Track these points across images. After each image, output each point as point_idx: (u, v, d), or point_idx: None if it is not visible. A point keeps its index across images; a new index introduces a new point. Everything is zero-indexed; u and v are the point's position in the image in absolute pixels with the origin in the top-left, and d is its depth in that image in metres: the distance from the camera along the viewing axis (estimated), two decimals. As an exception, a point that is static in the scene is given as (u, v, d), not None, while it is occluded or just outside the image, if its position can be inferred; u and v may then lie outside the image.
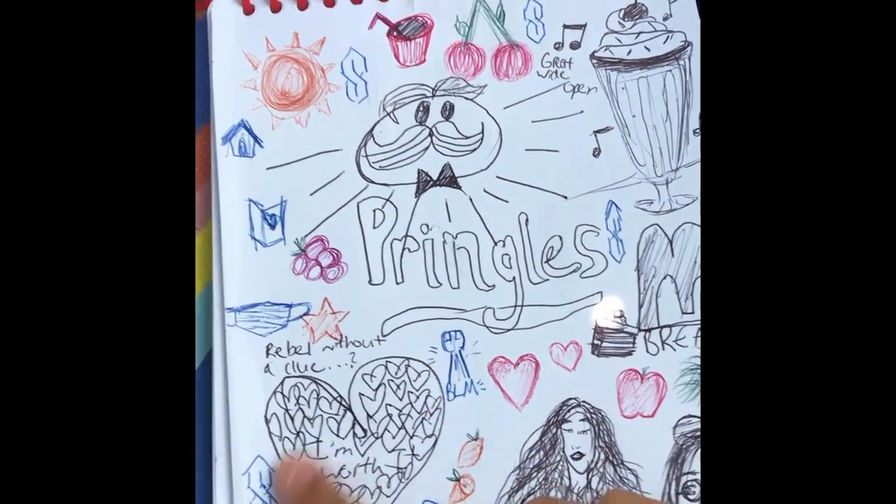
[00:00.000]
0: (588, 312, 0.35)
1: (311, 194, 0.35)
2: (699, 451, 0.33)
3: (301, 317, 0.34)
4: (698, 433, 0.33)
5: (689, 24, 0.38)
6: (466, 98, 0.37)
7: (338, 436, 0.33)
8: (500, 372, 0.34)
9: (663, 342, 0.34)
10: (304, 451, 0.32)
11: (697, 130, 0.37)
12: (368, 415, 0.33)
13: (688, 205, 0.36)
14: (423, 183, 0.36)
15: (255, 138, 0.35)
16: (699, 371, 0.34)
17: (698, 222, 0.36)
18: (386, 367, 0.34)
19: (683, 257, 0.35)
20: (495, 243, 0.36)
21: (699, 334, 0.34)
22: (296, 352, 0.33)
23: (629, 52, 0.38)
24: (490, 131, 0.37)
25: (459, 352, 0.34)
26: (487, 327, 0.35)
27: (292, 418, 0.33)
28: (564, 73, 0.38)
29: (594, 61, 0.38)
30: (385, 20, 0.38)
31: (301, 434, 0.33)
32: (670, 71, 0.38)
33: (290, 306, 0.34)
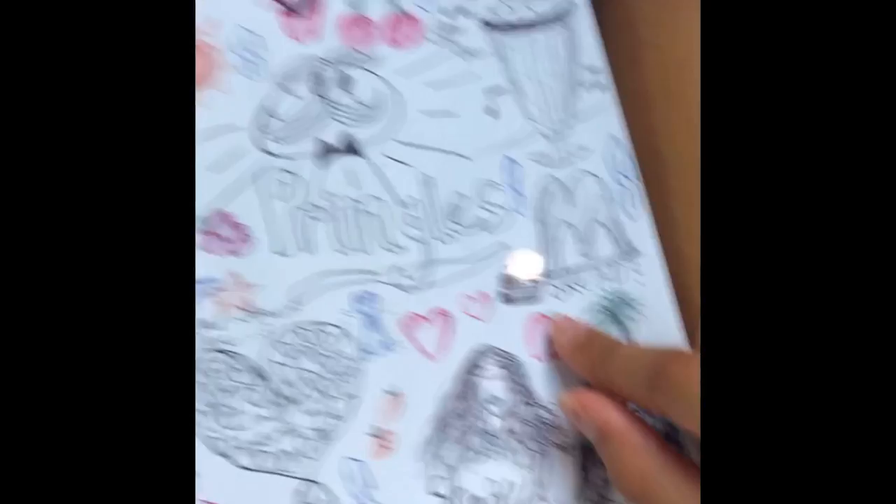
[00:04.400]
0: (496, 264, 0.36)
1: (213, 172, 0.35)
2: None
3: (210, 292, 0.34)
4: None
5: (571, -15, 0.40)
6: (362, 68, 0.38)
7: (256, 405, 0.33)
8: (414, 328, 0.35)
9: (568, 286, 0.36)
10: (221, 422, 0.33)
11: (586, 84, 0.38)
12: (285, 382, 0.33)
13: (581, 155, 0.38)
14: (326, 152, 0.36)
15: (152, 119, 0.35)
16: (601, 311, 0.36)
17: (592, 170, 0.37)
18: (300, 334, 0.34)
19: (578, 205, 0.37)
20: (401, 206, 0.36)
21: (603, 276, 0.36)
22: (207, 326, 0.33)
23: (517, 15, 0.39)
24: (388, 99, 0.38)
25: (372, 313, 0.35)
26: (399, 287, 0.35)
27: (208, 391, 0.33)
28: (455, 38, 0.39)
29: (484, 26, 0.39)
30: (275, -3, 0.38)
31: (216, 406, 0.33)
32: (556, 30, 0.39)
33: (198, 283, 0.34)
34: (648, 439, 0.30)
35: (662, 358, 0.29)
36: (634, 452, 0.29)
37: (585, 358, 0.33)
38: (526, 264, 0.36)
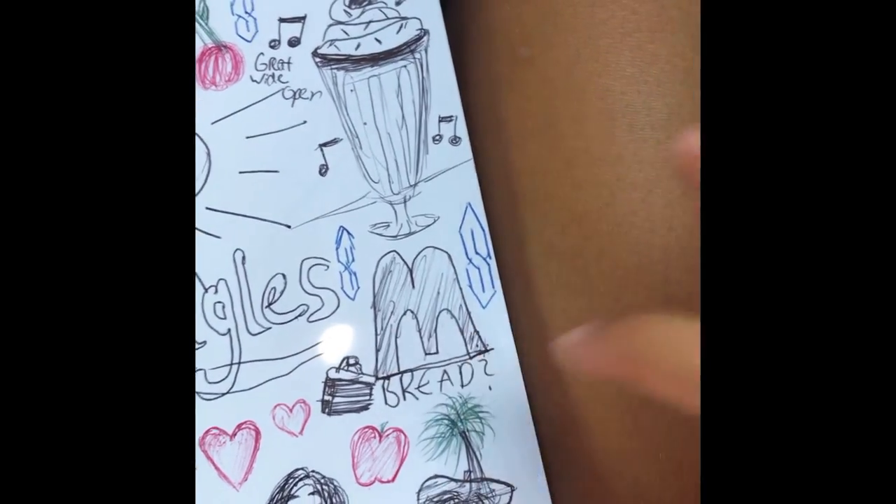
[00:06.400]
0: (317, 363, 0.30)
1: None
2: (448, 517, 0.29)
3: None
4: (446, 496, 0.29)
5: (425, 8, 0.33)
6: (165, 114, 0.31)
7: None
8: (214, 446, 0.29)
9: (404, 390, 0.30)
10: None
11: (438, 137, 0.32)
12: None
13: (428, 226, 0.31)
14: (116, 222, 0.30)
15: None
16: (445, 421, 0.30)
17: (441, 246, 0.31)
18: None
19: (425, 288, 0.31)
20: (206, 290, 0.30)
21: (446, 376, 0.30)
22: None
23: (357, 46, 0.32)
24: (196, 153, 0.31)
25: (164, 427, 0.29)
26: (198, 393, 0.29)
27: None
28: (283, 76, 0.32)
29: (318, 60, 0.32)
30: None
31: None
32: (405, 66, 0.32)
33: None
34: None
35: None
36: None
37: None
38: (356, 363, 0.30)
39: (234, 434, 0.29)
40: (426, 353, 0.30)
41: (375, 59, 0.32)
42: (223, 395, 0.29)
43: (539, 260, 0.31)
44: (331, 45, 0.32)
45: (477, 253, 0.31)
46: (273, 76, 0.32)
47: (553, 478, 0.29)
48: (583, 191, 0.30)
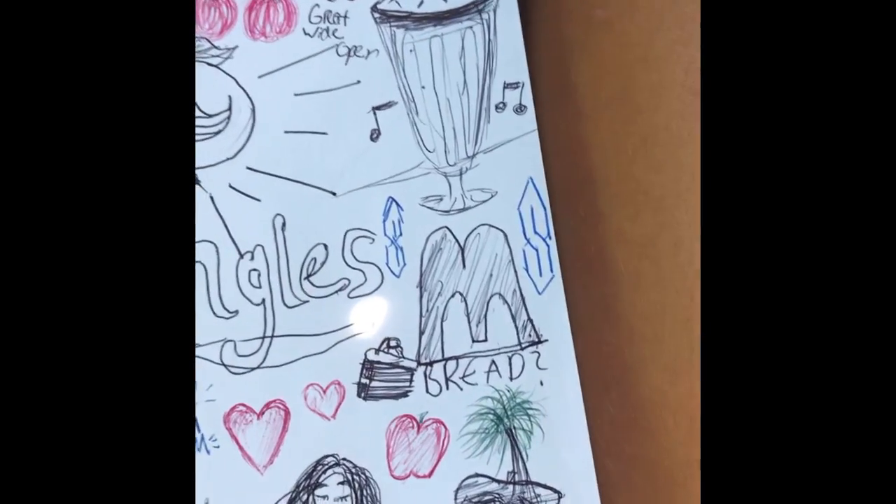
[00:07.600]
0: (355, 343, 0.27)
1: None
2: (487, 519, 0.26)
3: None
4: (486, 497, 0.27)
5: (496, -35, 0.30)
6: (209, 64, 0.29)
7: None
8: (240, 424, 0.27)
9: (448, 379, 0.27)
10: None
11: (501, 105, 0.29)
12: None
13: (485, 201, 0.28)
14: (151, 178, 0.28)
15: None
16: (491, 416, 0.27)
17: (497, 224, 0.28)
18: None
19: (477, 269, 0.28)
20: (241, 255, 0.28)
21: (494, 367, 0.27)
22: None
23: (421, 3, 0.30)
24: (240, 108, 0.29)
25: (188, 399, 0.27)
26: (226, 366, 0.27)
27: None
28: (338, 30, 0.30)
29: (376, 16, 0.29)
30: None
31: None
32: (471, 27, 0.30)
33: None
34: None
35: None
36: None
37: None
38: (397, 346, 0.27)
39: (262, 413, 0.27)
40: (474, 341, 0.28)
41: (439, 18, 0.29)
42: (253, 369, 0.27)
43: (605, 246, 0.28)
44: (392, 0, 0.30)
45: (536, 233, 0.28)
46: (327, 30, 0.30)
47: (607, 487, 0.26)
48: (661, 173, 0.27)
